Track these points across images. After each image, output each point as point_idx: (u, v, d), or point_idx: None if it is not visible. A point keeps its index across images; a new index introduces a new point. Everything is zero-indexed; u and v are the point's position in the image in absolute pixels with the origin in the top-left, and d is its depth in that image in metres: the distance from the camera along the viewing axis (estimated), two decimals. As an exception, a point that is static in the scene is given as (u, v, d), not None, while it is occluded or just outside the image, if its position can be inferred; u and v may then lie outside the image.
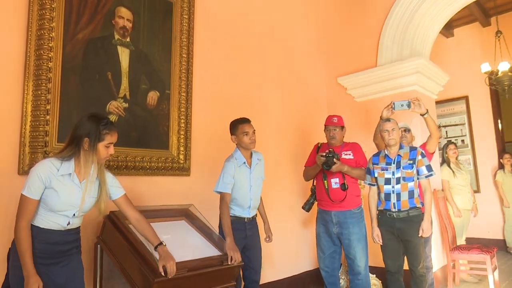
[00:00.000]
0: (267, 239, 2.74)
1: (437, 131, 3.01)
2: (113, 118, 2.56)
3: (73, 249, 1.80)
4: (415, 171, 2.63)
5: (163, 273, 1.79)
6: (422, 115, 2.86)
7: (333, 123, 2.91)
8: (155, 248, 1.86)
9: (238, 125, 2.53)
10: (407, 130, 3.17)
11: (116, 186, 1.90)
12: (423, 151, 2.71)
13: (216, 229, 2.48)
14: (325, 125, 2.98)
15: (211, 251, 2.22)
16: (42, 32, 2.26)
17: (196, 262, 2.00)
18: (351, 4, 4.47)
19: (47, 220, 1.70)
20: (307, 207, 3.07)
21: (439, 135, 2.96)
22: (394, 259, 2.70)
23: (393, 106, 2.84)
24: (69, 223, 1.75)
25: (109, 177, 1.88)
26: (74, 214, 1.75)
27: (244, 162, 2.54)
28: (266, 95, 3.79)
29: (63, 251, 1.75)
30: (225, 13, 3.47)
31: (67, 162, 1.71)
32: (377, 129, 2.97)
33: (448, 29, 5.98)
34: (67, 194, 1.70)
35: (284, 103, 3.98)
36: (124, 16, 2.70)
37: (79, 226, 1.85)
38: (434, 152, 3.25)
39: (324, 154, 2.73)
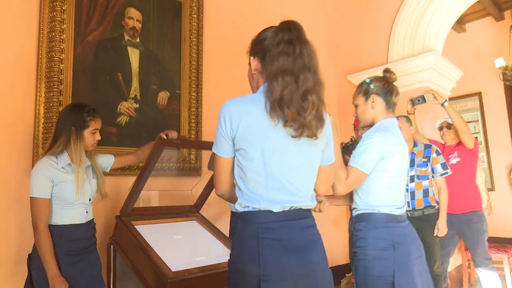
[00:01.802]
0: None
1: (460, 122, 2.80)
2: (124, 119, 2.56)
3: (93, 245, 1.85)
4: (429, 169, 2.59)
5: (165, 137, 1.91)
6: (442, 105, 2.78)
7: None
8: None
9: None
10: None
11: (106, 160, 2.00)
12: (438, 149, 2.66)
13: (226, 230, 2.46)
14: (354, 125, 2.98)
15: (223, 251, 2.20)
16: (53, 34, 2.27)
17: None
18: (360, 0, 4.41)
19: (67, 216, 1.72)
20: None
21: (465, 127, 2.79)
22: (409, 259, 2.65)
23: (412, 102, 2.81)
24: (87, 212, 1.80)
25: (98, 157, 1.96)
26: (89, 199, 1.81)
27: None
28: (276, 94, 3.76)
29: (87, 246, 1.80)
30: (234, 12, 3.46)
31: (61, 155, 1.74)
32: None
33: (460, 24, 5.86)
34: (74, 181, 1.73)
35: (294, 102, 3.95)
36: (134, 17, 2.70)
37: (93, 219, 1.89)
38: (474, 149, 2.95)
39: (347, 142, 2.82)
